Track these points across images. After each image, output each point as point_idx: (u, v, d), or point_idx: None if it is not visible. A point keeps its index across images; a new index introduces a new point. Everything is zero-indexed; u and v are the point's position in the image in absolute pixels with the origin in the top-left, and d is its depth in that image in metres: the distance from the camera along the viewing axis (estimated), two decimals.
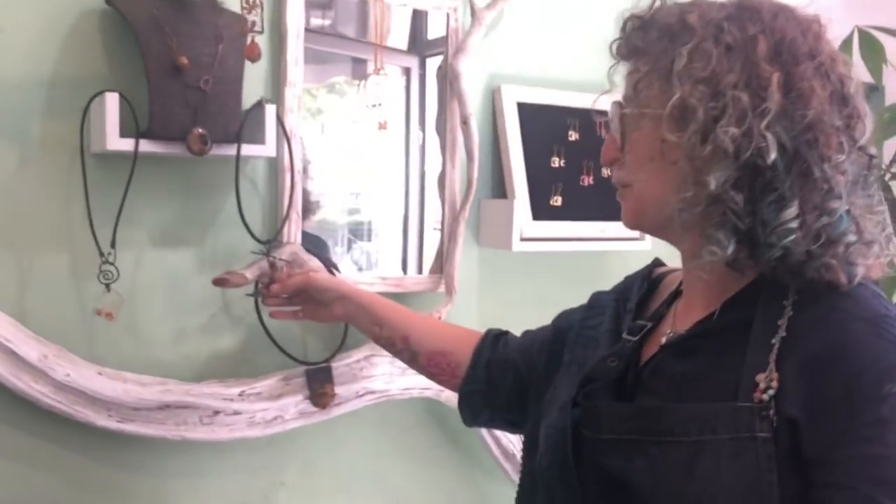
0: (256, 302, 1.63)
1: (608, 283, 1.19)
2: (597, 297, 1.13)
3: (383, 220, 1.95)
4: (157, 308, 1.59)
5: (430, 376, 1.38)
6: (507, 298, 2.02)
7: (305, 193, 1.73)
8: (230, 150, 1.50)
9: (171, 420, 1.54)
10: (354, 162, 1.87)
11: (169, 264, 1.59)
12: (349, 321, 1.50)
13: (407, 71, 1.89)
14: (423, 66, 1.89)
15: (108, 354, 1.53)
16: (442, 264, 1.89)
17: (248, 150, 1.52)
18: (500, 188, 1.95)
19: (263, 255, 1.57)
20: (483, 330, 1.34)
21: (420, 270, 1.90)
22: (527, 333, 1.28)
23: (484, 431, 1.87)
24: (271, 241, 1.61)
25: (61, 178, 1.46)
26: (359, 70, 1.82)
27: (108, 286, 1.45)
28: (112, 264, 1.44)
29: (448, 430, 1.95)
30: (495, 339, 1.29)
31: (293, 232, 1.69)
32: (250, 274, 1.57)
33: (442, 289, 1.87)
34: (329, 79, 1.84)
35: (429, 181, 1.90)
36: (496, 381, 1.23)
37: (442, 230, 1.89)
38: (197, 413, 1.55)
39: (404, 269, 1.91)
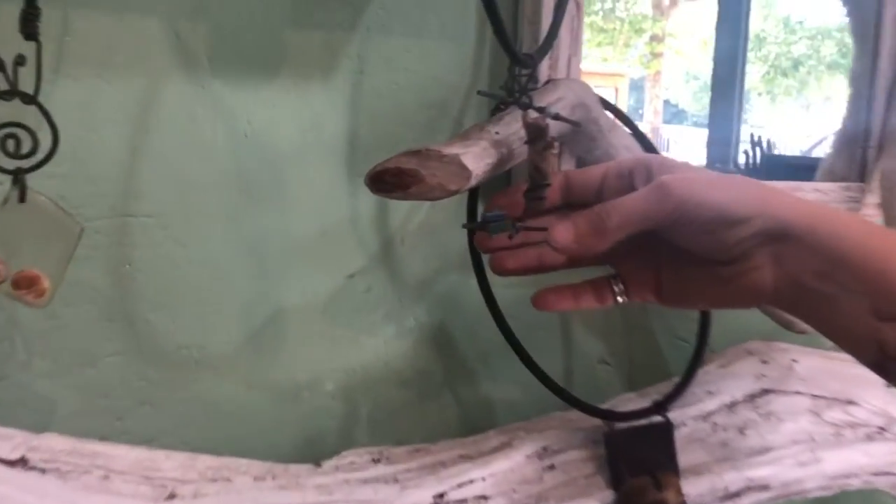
0: (472, 242, 0.55)
1: None
2: None
3: None
4: (185, 252, 0.54)
5: None
6: None
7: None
8: None
9: None
10: None
11: (225, 118, 0.53)
12: (790, 305, 0.45)
13: None
14: None
15: (26, 400, 0.49)
16: (864, 163, 0.79)
17: None
18: None
19: (513, 103, 0.51)
20: None
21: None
22: None
23: None
24: (532, 60, 0.53)
25: None
26: None
27: (18, 180, 0.39)
28: (34, 102, 0.38)
29: None
30: None
31: (565, 57, 0.61)
32: (473, 159, 0.50)
33: (870, 210, 0.78)
34: None
35: None
36: None
37: (872, 90, 0.79)
38: None
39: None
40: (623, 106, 1.30)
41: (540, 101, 0.56)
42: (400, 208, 0.61)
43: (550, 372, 0.61)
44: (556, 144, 0.50)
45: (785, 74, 9.18)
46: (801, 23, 9.01)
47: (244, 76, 0.55)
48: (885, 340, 0.41)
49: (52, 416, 0.52)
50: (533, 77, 0.54)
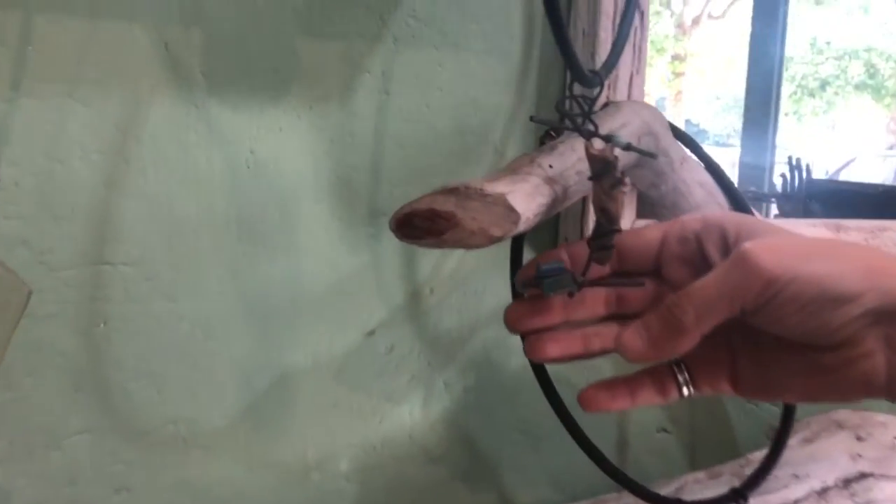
0: (515, 296, 0.45)
1: None
2: None
3: None
4: (173, 308, 0.44)
5: None
6: None
7: None
8: None
9: None
10: None
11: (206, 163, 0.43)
12: None
13: None
14: None
15: None
16: None
17: None
18: None
19: (576, 130, 0.41)
20: None
21: None
22: None
23: None
24: (598, 78, 0.43)
25: None
26: None
27: None
28: None
29: None
30: None
31: (627, 75, 0.51)
32: (522, 199, 0.40)
33: None
34: None
35: None
36: None
37: None
38: None
39: None
40: None
41: (602, 126, 0.46)
42: (430, 252, 0.51)
43: (603, 441, 0.51)
44: (628, 181, 0.40)
45: (812, 95, 9.03)
46: (828, 43, 8.88)
47: (247, 95, 0.45)
48: None
49: None
50: (594, 99, 0.45)
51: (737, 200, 0.55)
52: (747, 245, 0.34)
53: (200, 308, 0.46)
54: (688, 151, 0.54)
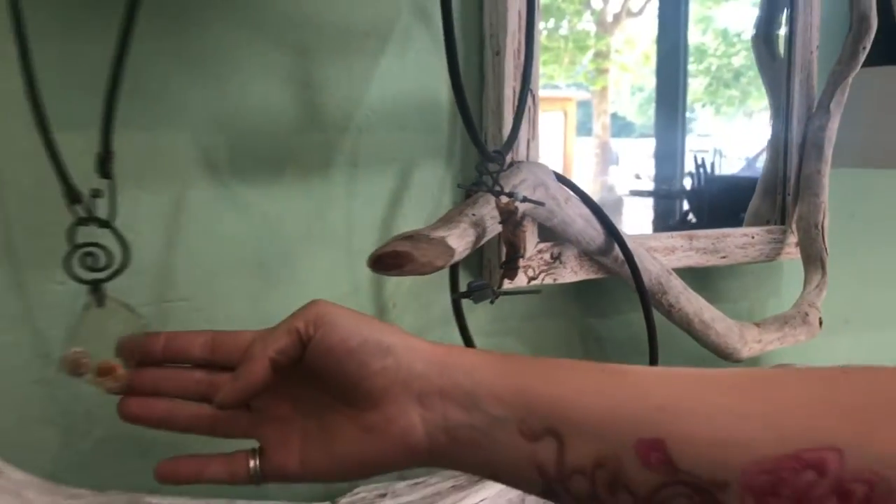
0: (455, 306, 0.67)
1: None
2: None
3: None
4: None
5: None
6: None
7: None
8: None
9: None
10: None
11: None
12: (449, 452, 0.41)
13: None
14: None
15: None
16: (784, 208, 0.92)
17: None
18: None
19: (489, 192, 0.63)
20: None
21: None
22: None
23: None
24: (501, 156, 0.65)
25: None
26: None
27: (97, 289, 0.49)
28: (110, 227, 0.49)
29: None
30: None
31: (525, 141, 0.73)
32: (456, 240, 0.63)
33: (791, 249, 0.91)
34: None
35: None
36: None
37: (786, 139, 0.92)
38: None
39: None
40: (573, 127, 1.37)
41: (506, 183, 0.67)
42: (392, 278, 0.71)
43: None
44: (526, 223, 0.61)
45: (727, 85, 9.53)
46: (738, 35, 9.38)
47: (258, 175, 0.65)
48: (542, 462, 0.37)
49: None
50: (500, 169, 0.65)
51: (608, 226, 0.76)
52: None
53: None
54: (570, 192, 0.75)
